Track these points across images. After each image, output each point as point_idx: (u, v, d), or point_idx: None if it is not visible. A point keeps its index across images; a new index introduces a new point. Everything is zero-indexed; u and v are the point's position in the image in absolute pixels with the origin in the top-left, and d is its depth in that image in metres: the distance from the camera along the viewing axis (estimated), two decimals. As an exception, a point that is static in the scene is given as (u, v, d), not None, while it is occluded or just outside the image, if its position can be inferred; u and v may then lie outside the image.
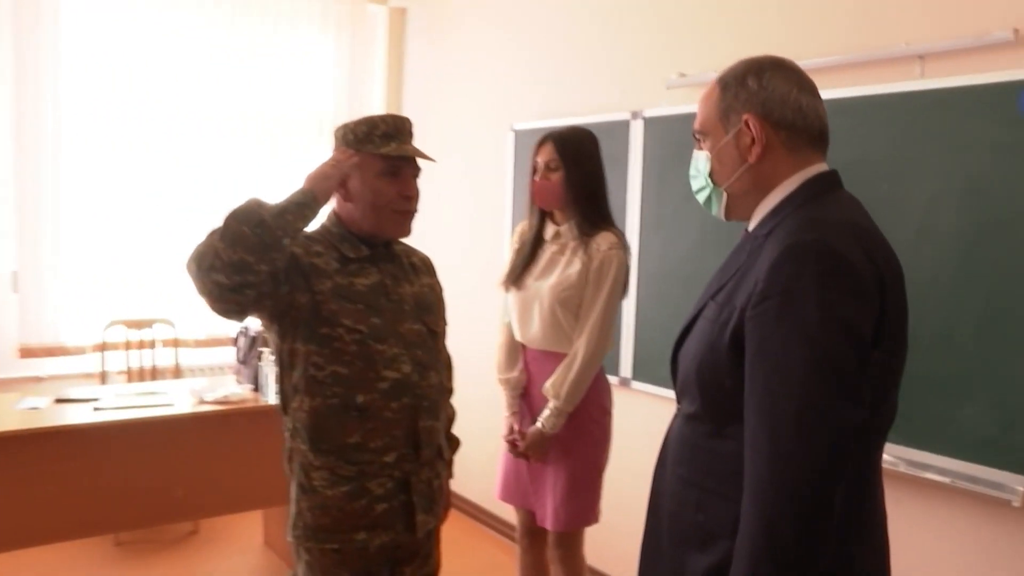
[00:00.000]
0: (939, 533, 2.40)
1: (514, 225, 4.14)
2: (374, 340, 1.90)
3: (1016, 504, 2.23)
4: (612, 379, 2.85)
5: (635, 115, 3.43)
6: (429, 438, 1.98)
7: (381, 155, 1.93)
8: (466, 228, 4.51)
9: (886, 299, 1.32)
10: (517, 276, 2.80)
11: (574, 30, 3.86)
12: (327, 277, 1.90)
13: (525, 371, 2.82)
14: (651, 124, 3.37)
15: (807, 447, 1.23)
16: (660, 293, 3.32)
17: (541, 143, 2.74)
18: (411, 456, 1.95)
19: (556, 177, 2.68)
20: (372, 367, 1.89)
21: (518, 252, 2.86)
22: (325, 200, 1.87)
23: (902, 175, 2.44)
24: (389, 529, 1.93)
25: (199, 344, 4.49)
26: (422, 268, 2.15)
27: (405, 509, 1.95)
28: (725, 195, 1.51)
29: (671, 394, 3.23)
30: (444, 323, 2.14)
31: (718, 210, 1.54)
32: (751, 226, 1.50)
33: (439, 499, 2.05)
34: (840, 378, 1.24)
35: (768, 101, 1.43)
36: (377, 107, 5.07)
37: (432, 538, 2.10)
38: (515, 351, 2.86)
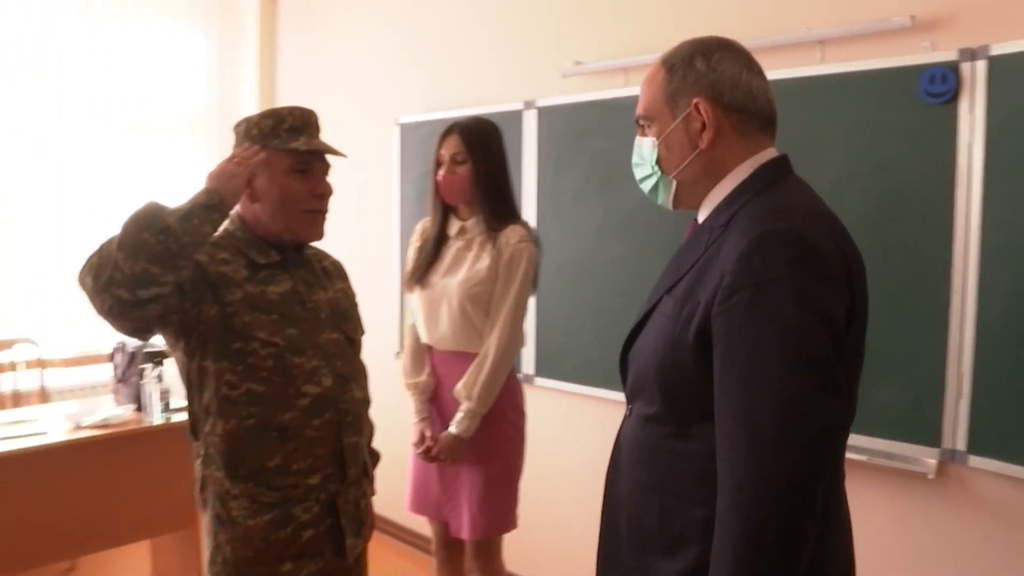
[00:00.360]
0: (860, 510, 2.41)
1: (403, 222, 4.01)
2: (291, 353, 1.75)
3: (931, 476, 2.30)
4: (516, 376, 2.77)
5: (528, 105, 3.36)
6: (355, 455, 1.85)
7: (290, 150, 1.78)
8: (352, 227, 4.31)
9: (853, 288, 1.29)
10: (422, 275, 2.69)
11: (461, 17, 3.75)
12: (236, 286, 1.74)
13: (433, 374, 2.71)
14: (545, 114, 3.31)
15: (790, 444, 1.18)
16: (561, 287, 3.27)
17: (445, 135, 2.63)
18: (337, 476, 1.81)
19: (463, 170, 2.58)
20: (291, 383, 1.74)
21: (420, 250, 2.74)
22: (234, 202, 1.71)
23: (806, 159, 2.44)
24: (318, 557, 1.79)
25: (68, 363, 4.14)
26: (334, 272, 2.01)
27: (333, 534, 1.81)
28: (674, 183, 1.44)
29: (576, 389, 3.29)
30: (361, 331, 2.01)
31: (665, 199, 1.48)
32: (701, 216, 1.45)
33: (367, 520, 1.93)
34: (820, 370, 1.20)
35: (718, 83, 1.37)
36: (249, 101, 4.83)
37: (360, 562, 1.96)
38: (422, 354, 2.75)
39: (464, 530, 2.64)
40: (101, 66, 4.30)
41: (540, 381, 3.37)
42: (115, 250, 1.52)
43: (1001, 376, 2.16)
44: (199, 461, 1.80)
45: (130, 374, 3.34)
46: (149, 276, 1.51)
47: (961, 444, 2.23)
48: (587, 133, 3.15)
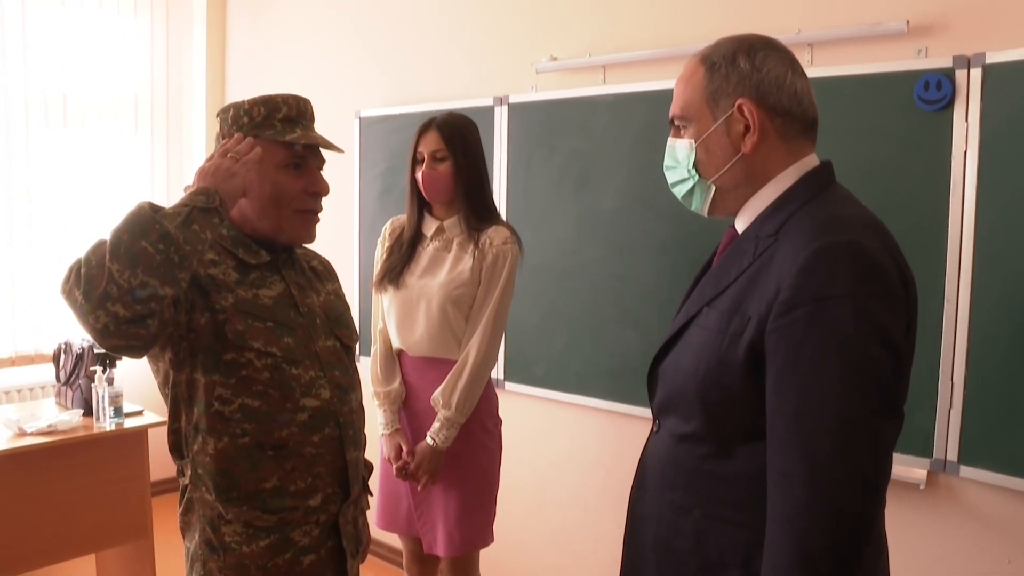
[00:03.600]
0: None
1: (363, 219, 3.88)
2: (288, 364, 1.61)
3: (922, 487, 2.28)
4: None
5: (500, 101, 3.27)
6: (357, 472, 1.73)
7: (285, 143, 1.63)
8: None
9: (909, 302, 1.24)
10: (396, 275, 2.56)
11: (428, 6, 3.62)
12: (227, 290, 1.58)
13: (403, 382, 2.59)
14: (518, 111, 3.22)
15: (849, 471, 1.13)
16: (533, 289, 3.18)
17: (423, 131, 2.53)
18: (338, 495, 1.68)
19: (444, 167, 2.48)
20: (289, 396, 1.60)
21: (392, 250, 2.62)
22: (233, 204, 1.55)
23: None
24: None
25: (3, 364, 3.89)
26: (324, 273, 1.87)
27: (335, 557, 1.68)
28: (713, 188, 1.37)
29: (547, 394, 3.20)
30: (356, 336, 1.87)
31: (701, 205, 1.40)
32: (741, 224, 1.38)
33: (363, 538, 1.81)
34: (880, 393, 1.15)
35: (762, 84, 1.30)
36: (199, 92, 4.64)
37: None
38: (393, 360, 2.62)
39: (440, 546, 2.53)
40: (41, 51, 4.06)
41: (510, 386, 3.29)
42: (109, 260, 1.34)
43: (993, 386, 2.15)
44: (185, 482, 1.65)
45: (76, 376, 3.15)
46: (148, 289, 1.35)
47: (952, 454, 2.22)
48: (562, 132, 3.07)
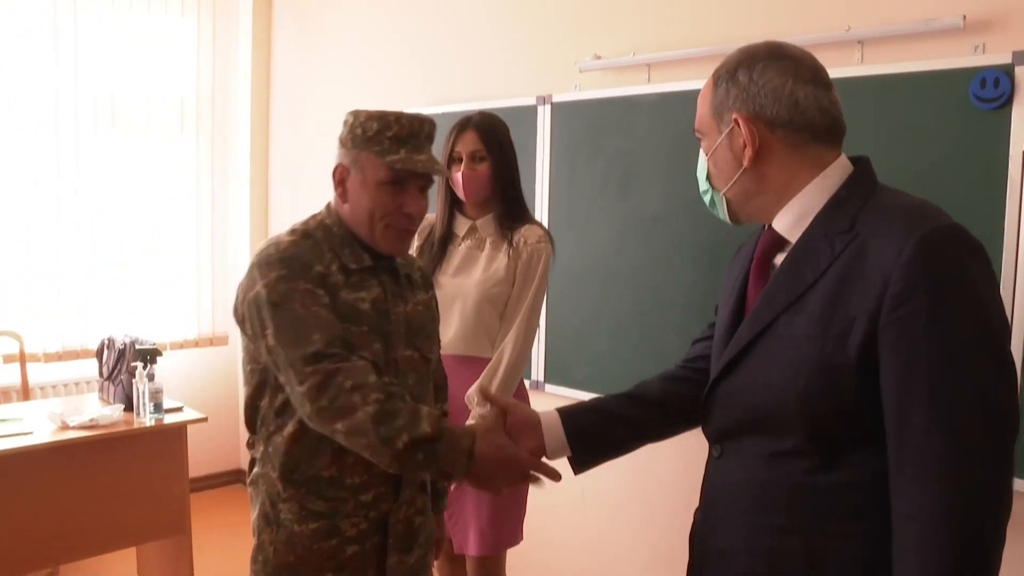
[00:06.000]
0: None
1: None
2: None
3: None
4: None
5: (543, 100, 3.23)
6: (411, 476, 1.76)
7: (386, 163, 1.66)
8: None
9: None
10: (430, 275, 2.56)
11: (470, 5, 3.61)
12: (334, 293, 1.64)
13: None
14: (561, 110, 3.18)
15: (998, 452, 1.12)
16: (574, 293, 3.14)
17: (460, 131, 2.52)
18: (390, 495, 1.73)
19: (483, 168, 2.48)
20: None
21: (423, 249, 2.62)
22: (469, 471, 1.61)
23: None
24: (357, 573, 1.72)
25: (51, 358, 3.96)
26: (420, 283, 1.90)
27: (379, 552, 1.74)
28: (725, 200, 1.38)
29: (587, 397, 3.11)
30: (438, 346, 1.92)
31: (723, 215, 1.41)
32: (783, 226, 1.32)
33: (422, 537, 1.83)
34: (1010, 370, 1.15)
35: (758, 97, 1.28)
36: (244, 93, 4.67)
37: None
38: None
39: (472, 546, 2.52)
40: (89, 54, 4.13)
41: (550, 388, 3.25)
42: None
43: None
44: (256, 456, 1.75)
45: (119, 372, 3.18)
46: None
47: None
48: (606, 132, 3.03)
